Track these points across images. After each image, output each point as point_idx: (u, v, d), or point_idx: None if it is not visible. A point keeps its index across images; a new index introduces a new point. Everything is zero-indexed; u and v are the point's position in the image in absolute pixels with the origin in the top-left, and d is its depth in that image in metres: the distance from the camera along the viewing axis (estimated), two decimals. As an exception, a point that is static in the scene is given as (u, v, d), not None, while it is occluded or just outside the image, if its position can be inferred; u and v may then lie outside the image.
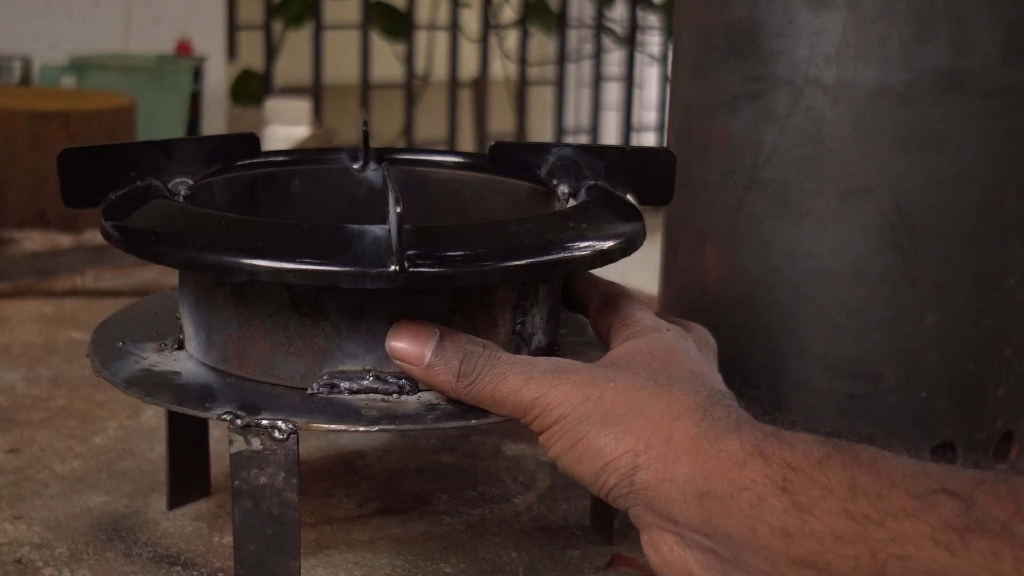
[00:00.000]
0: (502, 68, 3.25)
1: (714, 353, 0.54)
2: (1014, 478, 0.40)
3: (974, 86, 0.62)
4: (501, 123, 3.28)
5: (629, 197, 0.58)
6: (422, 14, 3.05)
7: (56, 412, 0.73)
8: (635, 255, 0.53)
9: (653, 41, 3.53)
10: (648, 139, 3.74)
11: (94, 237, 1.13)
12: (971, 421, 0.66)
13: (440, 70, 3.10)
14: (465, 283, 0.47)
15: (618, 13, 3.41)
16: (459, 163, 0.64)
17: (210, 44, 1.81)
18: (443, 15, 3.08)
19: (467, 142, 3.26)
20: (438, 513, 0.62)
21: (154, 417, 0.72)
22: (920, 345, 0.64)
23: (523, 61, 3.26)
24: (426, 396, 0.50)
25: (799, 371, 0.66)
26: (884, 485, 0.41)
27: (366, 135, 0.63)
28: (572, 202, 0.58)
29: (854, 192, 0.63)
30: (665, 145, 0.67)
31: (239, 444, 0.47)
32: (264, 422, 0.47)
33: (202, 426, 0.61)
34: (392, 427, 0.48)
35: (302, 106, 1.52)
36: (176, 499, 0.61)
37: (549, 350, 0.54)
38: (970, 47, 0.62)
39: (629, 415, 0.46)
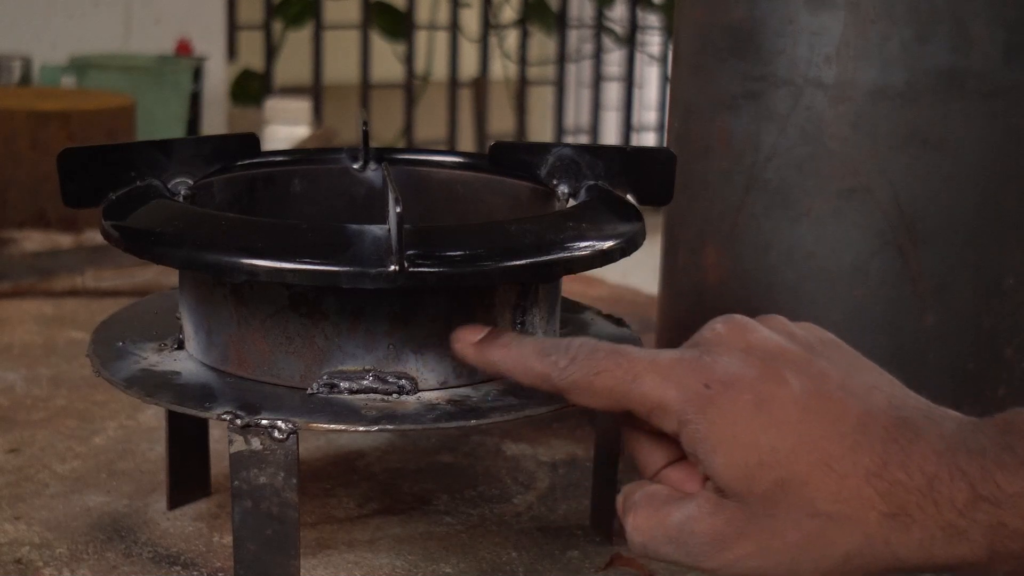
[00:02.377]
0: (502, 68, 3.25)
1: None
2: None
3: (974, 86, 0.62)
4: (501, 123, 3.28)
5: (629, 197, 0.58)
6: (422, 14, 3.05)
7: (56, 412, 0.73)
8: (635, 255, 0.53)
9: (653, 41, 3.53)
10: (648, 139, 3.74)
11: (94, 237, 1.13)
12: (971, 421, 0.66)
13: (440, 70, 3.10)
14: (465, 283, 0.47)
15: (618, 13, 3.41)
16: (459, 163, 0.64)
17: (210, 44, 1.81)
18: (443, 15, 3.08)
19: (467, 142, 3.26)
20: (438, 513, 0.62)
21: (154, 417, 0.72)
22: (920, 345, 0.64)
23: (523, 61, 3.26)
24: (426, 396, 0.50)
25: (799, 371, 0.66)
26: None
27: (366, 135, 0.63)
28: (572, 202, 0.58)
29: (854, 192, 0.63)
30: (665, 145, 0.67)
31: (239, 444, 0.47)
32: (264, 422, 0.47)
33: (202, 426, 0.61)
34: (392, 427, 0.48)
35: (302, 106, 1.52)
36: (176, 499, 0.61)
37: (549, 350, 0.54)
38: (970, 47, 0.62)
39: None
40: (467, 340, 0.48)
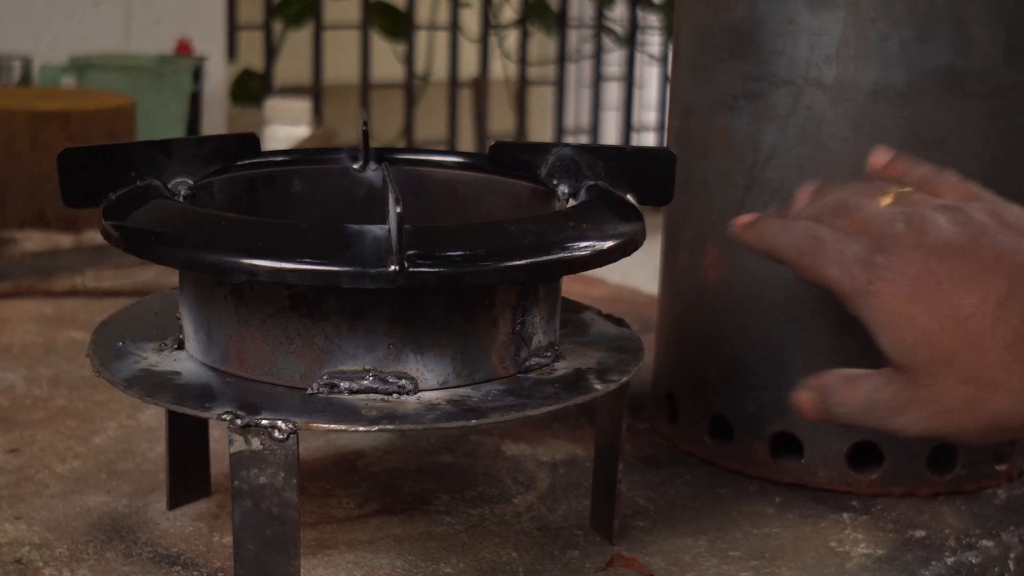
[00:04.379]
0: (502, 68, 3.25)
1: None
2: None
3: (974, 86, 0.62)
4: (501, 123, 3.28)
5: (629, 197, 0.58)
6: (422, 14, 3.05)
7: (56, 412, 0.73)
8: (635, 255, 0.53)
9: (653, 41, 3.53)
10: (648, 139, 3.74)
11: (94, 237, 1.12)
12: (971, 421, 0.66)
13: (440, 70, 3.10)
14: (465, 283, 0.47)
15: (618, 13, 3.41)
16: (459, 163, 0.64)
17: (210, 44, 1.81)
18: (443, 15, 3.08)
19: (467, 142, 3.26)
20: (438, 513, 0.62)
21: (154, 417, 0.72)
22: (920, 345, 0.64)
23: (523, 61, 3.26)
24: (426, 396, 0.50)
25: (799, 371, 0.66)
26: None
27: (366, 135, 0.63)
28: (572, 202, 0.58)
29: (854, 192, 0.63)
30: (665, 145, 0.67)
31: (239, 444, 0.47)
32: (264, 422, 0.47)
33: (202, 426, 0.61)
34: (392, 427, 0.48)
35: (302, 106, 1.52)
36: (176, 499, 0.61)
37: (549, 350, 0.54)
38: (970, 47, 0.62)
39: None
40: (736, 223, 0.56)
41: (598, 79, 3.42)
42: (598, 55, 3.39)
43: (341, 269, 0.46)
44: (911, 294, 0.48)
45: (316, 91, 2.77)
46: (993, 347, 0.47)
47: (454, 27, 3.07)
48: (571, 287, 0.59)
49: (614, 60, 3.50)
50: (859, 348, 0.65)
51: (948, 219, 0.50)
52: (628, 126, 3.49)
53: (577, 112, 3.73)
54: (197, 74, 1.50)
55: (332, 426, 0.47)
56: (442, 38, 3.08)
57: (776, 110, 0.64)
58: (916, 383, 0.49)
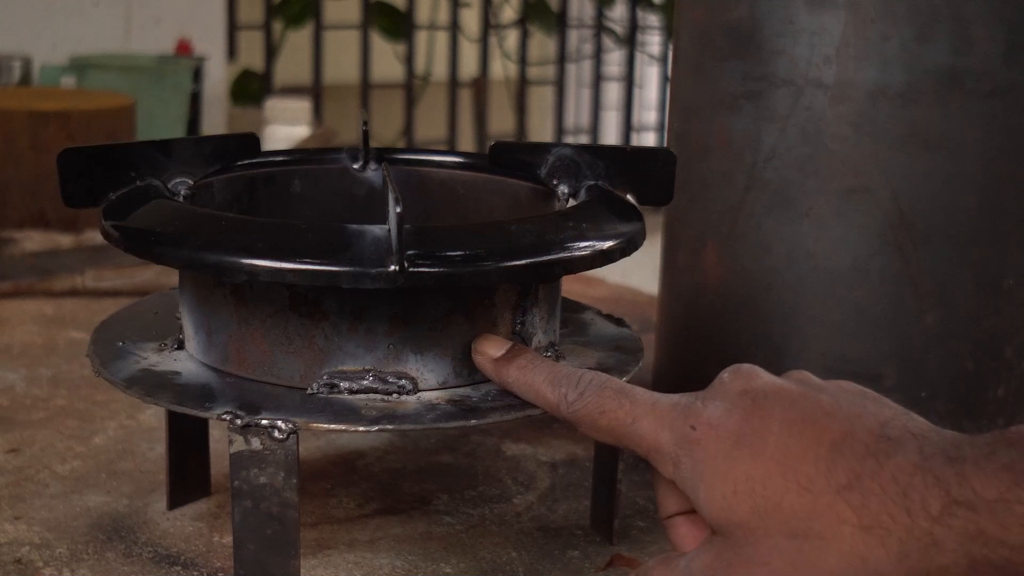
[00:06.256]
0: (502, 68, 3.25)
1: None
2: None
3: (974, 86, 0.62)
4: (501, 123, 3.28)
5: (629, 197, 0.58)
6: (422, 14, 3.05)
7: (56, 412, 0.73)
8: (635, 255, 0.53)
9: (653, 41, 3.53)
10: (648, 139, 3.74)
11: (94, 237, 1.13)
12: (971, 421, 0.66)
13: (440, 70, 3.10)
14: (465, 283, 0.47)
15: (618, 13, 3.41)
16: (459, 163, 0.64)
17: (210, 44, 1.81)
18: (443, 15, 3.08)
19: (467, 142, 3.26)
20: (438, 513, 0.62)
21: (154, 417, 0.72)
22: (920, 345, 0.64)
23: (523, 61, 3.26)
24: (426, 396, 0.50)
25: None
26: None
27: (366, 135, 0.63)
28: (572, 202, 0.58)
29: (854, 192, 0.63)
30: (665, 145, 0.67)
31: (239, 444, 0.47)
32: (264, 422, 0.47)
33: (202, 426, 0.61)
34: (392, 427, 0.48)
35: (302, 106, 1.52)
36: (176, 499, 0.61)
37: (549, 350, 0.54)
38: (970, 47, 0.62)
39: None
40: (487, 354, 0.50)
41: (598, 79, 3.42)
42: (598, 55, 3.39)
43: (341, 269, 0.46)
44: (737, 439, 0.42)
45: (316, 91, 2.77)
46: (825, 490, 0.40)
47: (454, 27, 3.07)
48: (571, 287, 0.59)
49: (614, 60, 3.50)
50: (859, 348, 0.65)
51: (782, 378, 0.45)
52: (628, 126, 3.50)
53: (577, 112, 3.74)
54: (197, 74, 1.51)
55: (332, 426, 0.47)
56: (442, 38, 3.08)
57: (776, 110, 0.64)
58: (735, 543, 0.42)
